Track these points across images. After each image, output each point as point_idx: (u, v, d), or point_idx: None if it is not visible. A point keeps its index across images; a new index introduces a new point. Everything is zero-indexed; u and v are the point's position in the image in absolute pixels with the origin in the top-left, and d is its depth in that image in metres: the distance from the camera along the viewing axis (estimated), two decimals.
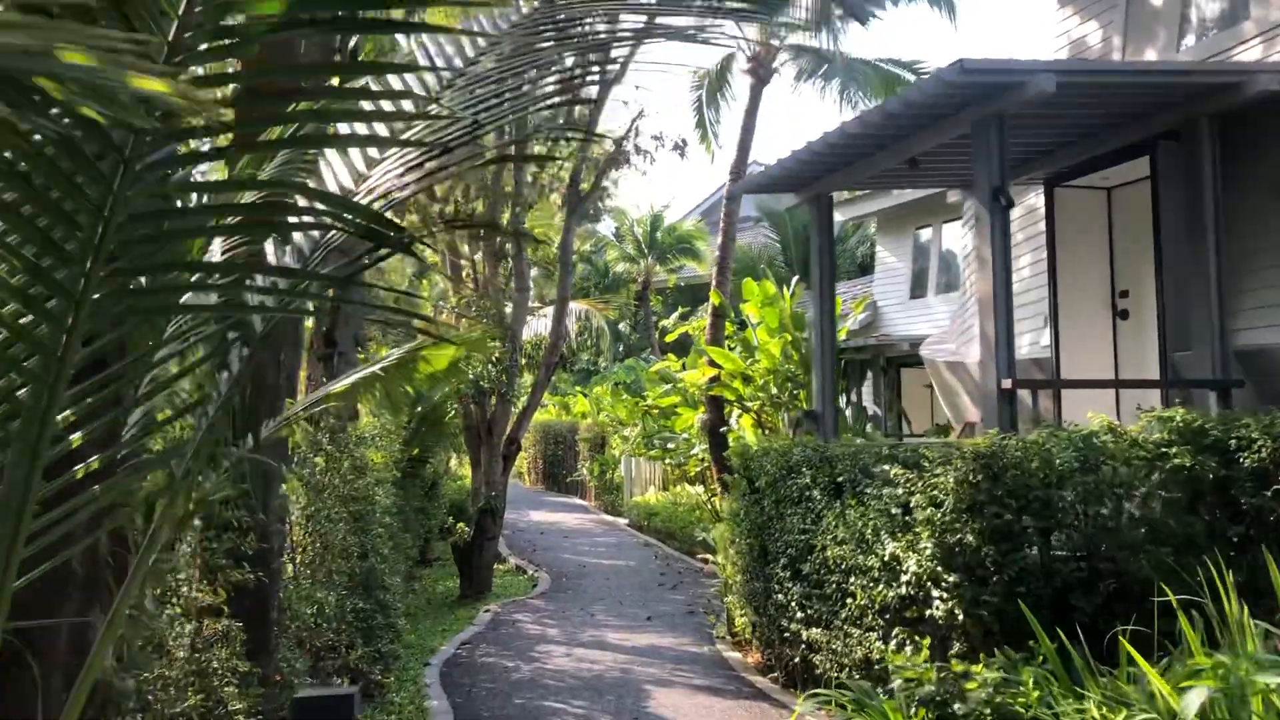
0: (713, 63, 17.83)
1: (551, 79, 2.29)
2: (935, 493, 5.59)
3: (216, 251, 2.63)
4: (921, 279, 17.69)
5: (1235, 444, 5.41)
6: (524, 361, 14.53)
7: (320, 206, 2.17)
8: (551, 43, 2.34)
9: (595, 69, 2.24)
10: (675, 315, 22.36)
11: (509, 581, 13.34)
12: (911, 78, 15.86)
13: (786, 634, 7.35)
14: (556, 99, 2.22)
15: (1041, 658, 4.68)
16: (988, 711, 4.49)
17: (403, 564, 10.20)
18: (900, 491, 5.91)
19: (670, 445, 16.47)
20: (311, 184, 2.48)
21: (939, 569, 5.48)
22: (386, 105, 2.44)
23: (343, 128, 2.44)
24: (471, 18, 2.61)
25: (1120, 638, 4.37)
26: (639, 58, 9.21)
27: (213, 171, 4.73)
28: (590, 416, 24.10)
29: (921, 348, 12.98)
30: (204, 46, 1.64)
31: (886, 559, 5.95)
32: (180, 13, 1.52)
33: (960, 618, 5.32)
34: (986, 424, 6.55)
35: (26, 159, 1.73)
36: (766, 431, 13.05)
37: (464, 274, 14.04)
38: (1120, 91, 7.13)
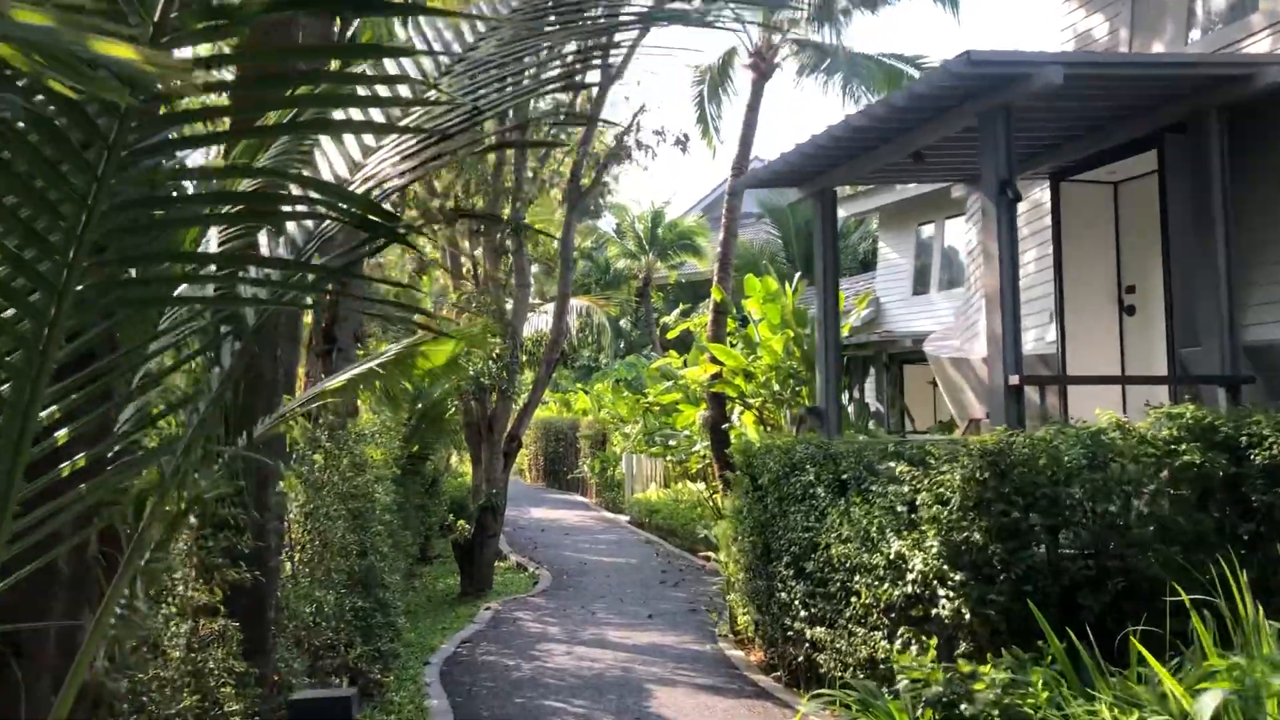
0: (714, 58, 17.75)
1: (554, 65, 2.22)
2: (942, 490, 5.52)
3: (213, 243, 2.56)
4: (924, 275, 17.61)
5: (1246, 441, 5.35)
6: (525, 358, 14.46)
7: (315, 196, 2.10)
8: (554, 27, 2.27)
9: (599, 52, 2.17)
10: (676, 312, 22.25)
11: (510, 579, 13.28)
12: (915, 73, 15.78)
13: (790, 632, 7.28)
14: (559, 83, 2.15)
15: (1050, 658, 4.61)
16: (996, 713, 4.41)
17: (403, 562, 10.14)
18: (906, 489, 5.84)
19: (671, 442, 16.40)
20: (306, 174, 2.41)
21: (945, 567, 5.41)
22: (383, 92, 2.37)
23: (339, 115, 2.37)
24: (471, 2, 2.54)
25: (1131, 638, 4.30)
26: (643, 42, 9.09)
27: (207, 161, 4.65)
28: (591, 413, 24.03)
29: (925, 344, 12.91)
30: (193, 27, 1.57)
31: (892, 557, 5.89)
32: None
33: (967, 617, 5.25)
34: (994, 420, 6.48)
35: (5, 144, 1.66)
36: (768, 428, 12.98)
37: (464, 270, 13.97)
38: (1128, 83, 7.05)
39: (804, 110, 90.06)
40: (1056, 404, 8.65)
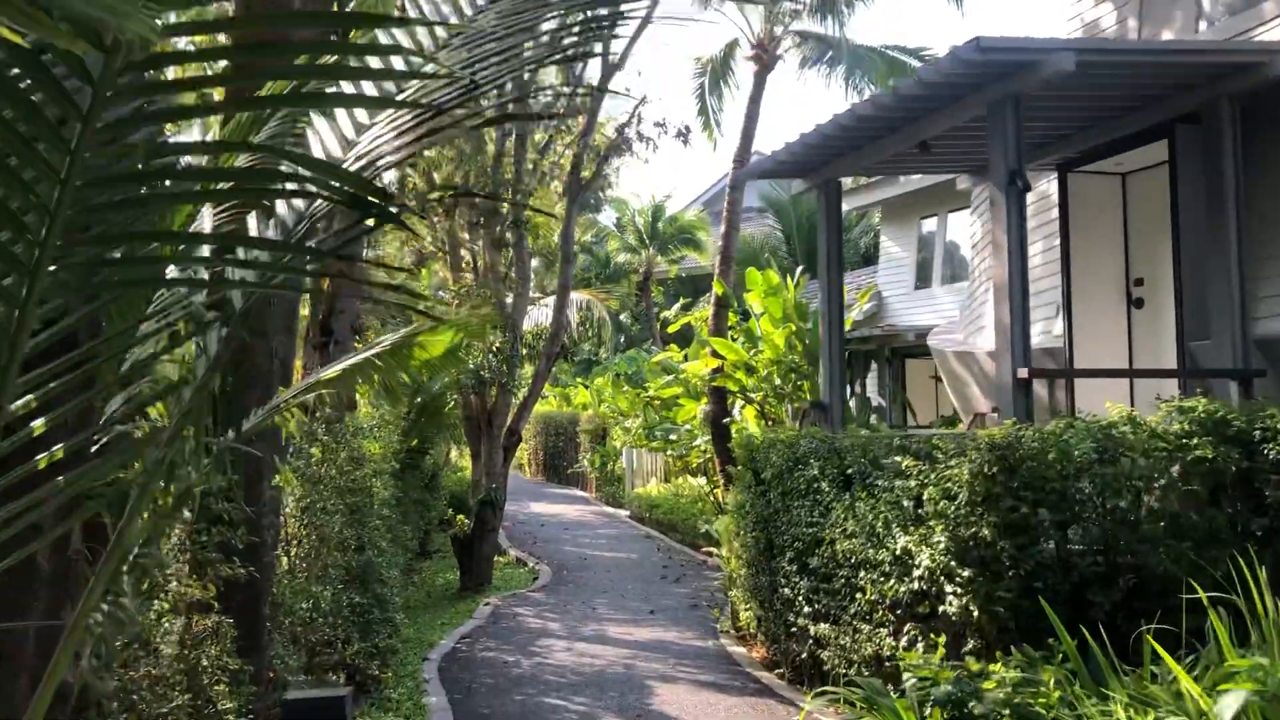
0: (716, 49, 17.63)
1: (560, 35, 2.11)
2: (949, 485, 5.42)
3: (207, 224, 2.45)
4: (926, 269, 17.50)
5: (1259, 435, 5.26)
6: (525, 352, 14.35)
7: (306, 173, 1.99)
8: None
9: (606, 21, 2.05)
10: (677, 306, 22.12)
11: (509, 574, 13.18)
12: (918, 64, 15.67)
13: (793, 629, 7.19)
14: (561, 53, 2.04)
15: (1061, 656, 4.51)
16: (1006, 712, 4.31)
17: (401, 557, 10.04)
18: (912, 484, 5.75)
19: (672, 437, 16.29)
20: (298, 151, 2.30)
21: (953, 563, 5.31)
22: (378, 65, 2.25)
23: (333, 89, 2.26)
24: None
25: (1146, 636, 4.20)
26: (645, 33, 8.98)
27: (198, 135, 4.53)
28: (591, 408, 23.91)
29: (929, 337, 12.81)
30: None
31: (898, 553, 5.79)
32: None
33: (975, 614, 5.16)
34: (1003, 414, 6.38)
35: None
36: (770, 423, 12.89)
37: (464, 263, 13.86)
38: (1140, 71, 6.93)
39: (806, 103, 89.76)
40: (1063, 398, 8.55)
